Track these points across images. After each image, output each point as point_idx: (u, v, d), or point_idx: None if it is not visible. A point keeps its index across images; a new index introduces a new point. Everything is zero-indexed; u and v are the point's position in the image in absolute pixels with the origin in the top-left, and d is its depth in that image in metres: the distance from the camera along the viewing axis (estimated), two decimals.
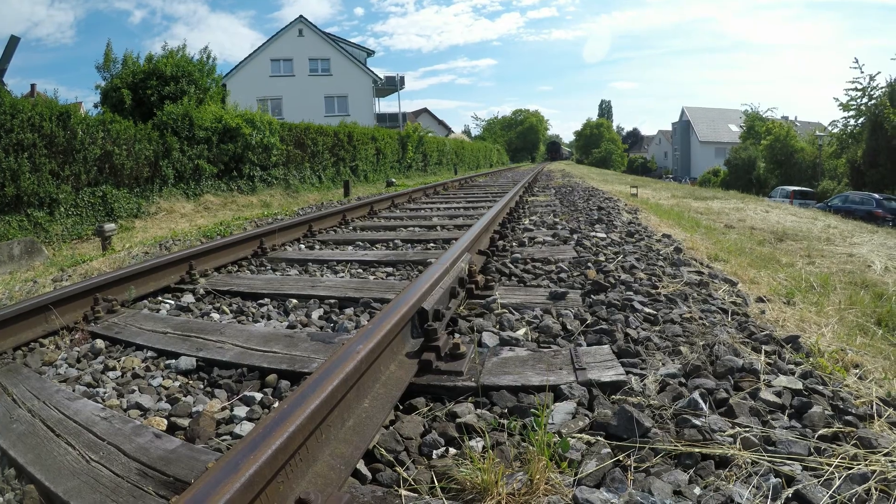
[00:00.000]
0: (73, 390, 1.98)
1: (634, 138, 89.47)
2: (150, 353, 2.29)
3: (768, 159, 34.54)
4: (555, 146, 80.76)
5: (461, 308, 2.49)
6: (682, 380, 1.76)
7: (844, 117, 26.11)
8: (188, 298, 3.09)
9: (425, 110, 61.16)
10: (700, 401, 1.54)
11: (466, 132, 75.47)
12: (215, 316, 2.77)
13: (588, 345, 2.05)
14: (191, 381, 2.02)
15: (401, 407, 1.59)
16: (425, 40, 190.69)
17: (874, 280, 4.82)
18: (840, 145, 27.19)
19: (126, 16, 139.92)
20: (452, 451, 1.30)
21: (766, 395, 1.64)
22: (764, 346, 2.08)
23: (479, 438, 1.35)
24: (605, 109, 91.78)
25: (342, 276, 3.54)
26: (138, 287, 3.03)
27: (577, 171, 28.27)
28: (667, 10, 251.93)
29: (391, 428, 1.44)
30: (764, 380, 1.75)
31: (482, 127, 77.87)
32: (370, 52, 41.51)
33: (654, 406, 1.57)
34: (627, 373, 1.77)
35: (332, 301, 2.81)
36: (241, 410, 1.73)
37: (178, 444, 1.54)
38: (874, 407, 1.58)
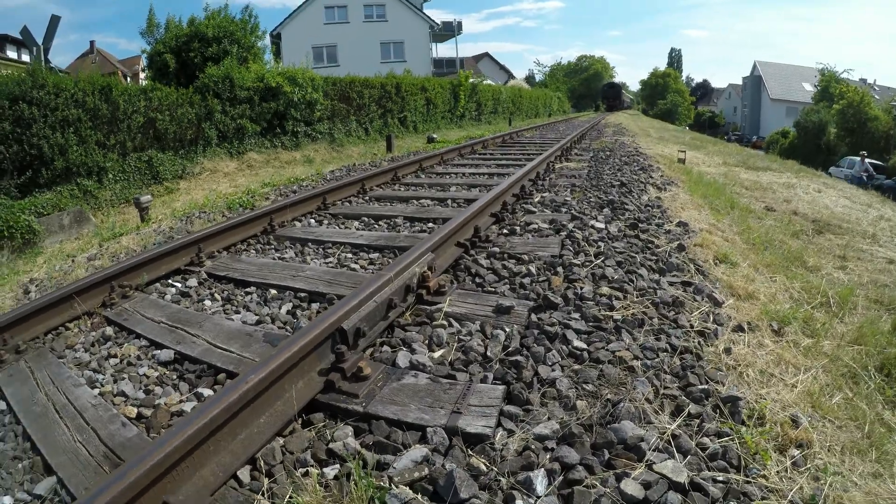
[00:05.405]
0: (81, 375, 2.41)
1: (704, 90, 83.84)
2: (144, 342, 2.69)
3: (839, 125, 31.44)
4: (614, 91, 62.32)
5: (407, 315, 2.68)
6: (552, 444, 1.65)
7: None
8: (193, 282, 3.52)
9: (487, 55, 59.31)
10: (535, 481, 1.46)
11: (530, 77, 72.71)
12: (208, 303, 3.17)
13: (494, 378, 2.05)
14: (167, 372, 2.40)
15: (304, 418, 1.90)
16: None
17: None
18: None
19: None
20: (315, 471, 1.60)
21: (630, 485, 1.45)
22: (689, 407, 1.83)
23: (336, 465, 1.60)
24: (675, 58, 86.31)
25: (328, 262, 3.81)
26: (150, 272, 3.49)
27: (635, 125, 26.61)
28: None
29: (283, 440, 1.77)
30: (647, 460, 1.54)
31: (544, 73, 74.68)
32: None
33: (498, 472, 1.51)
34: (498, 425, 1.73)
35: (303, 295, 3.12)
36: (189, 406, 2.12)
37: (133, 434, 1.95)
38: None
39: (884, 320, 3.29)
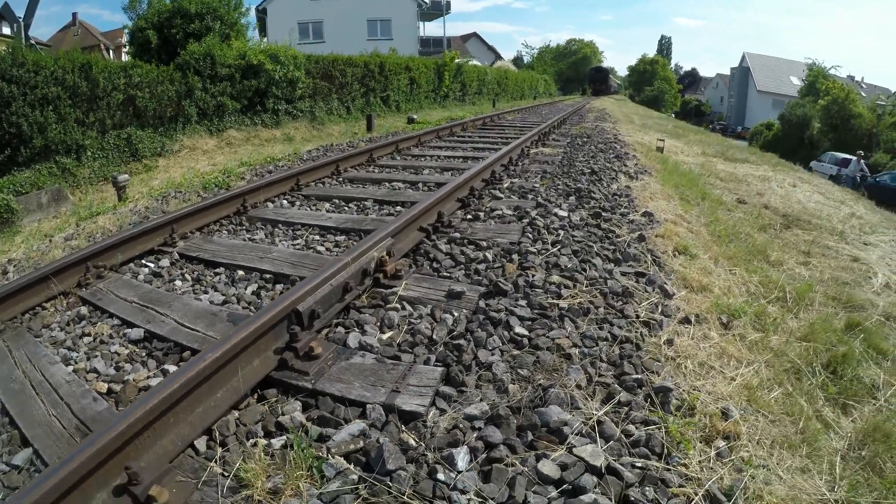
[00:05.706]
0: (57, 353, 2.54)
1: (692, 79, 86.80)
2: (116, 321, 2.84)
3: (823, 121, 32.30)
4: (601, 75, 58.51)
5: (363, 297, 2.83)
6: (480, 424, 1.73)
7: None
8: (165, 263, 3.65)
9: (475, 35, 58.73)
10: (457, 458, 1.57)
11: (518, 59, 72.42)
12: (178, 283, 3.32)
13: (436, 360, 2.17)
14: (136, 350, 2.56)
15: (259, 393, 2.10)
16: None
17: (863, 300, 3.89)
18: None
19: None
20: (263, 442, 1.79)
21: (547, 465, 1.52)
22: (620, 395, 1.88)
23: (283, 437, 1.77)
24: (665, 46, 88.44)
25: (296, 243, 3.92)
26: (124, 252, 3.61)
27: (619, 111, 26.35)
28: None
29: (238, 413, 1.96)
30: (568, 444, 1.61)
31: (532, 56, 74.49)
32: None
33: (426, 447, 1.61)
34: (433, 404, 1.85)
35: (269, 276, 3.26)
36: (156, 381, 2.29)
37: (104, 408, 2.12)
38: None
39: (839, 318, 3.25)
